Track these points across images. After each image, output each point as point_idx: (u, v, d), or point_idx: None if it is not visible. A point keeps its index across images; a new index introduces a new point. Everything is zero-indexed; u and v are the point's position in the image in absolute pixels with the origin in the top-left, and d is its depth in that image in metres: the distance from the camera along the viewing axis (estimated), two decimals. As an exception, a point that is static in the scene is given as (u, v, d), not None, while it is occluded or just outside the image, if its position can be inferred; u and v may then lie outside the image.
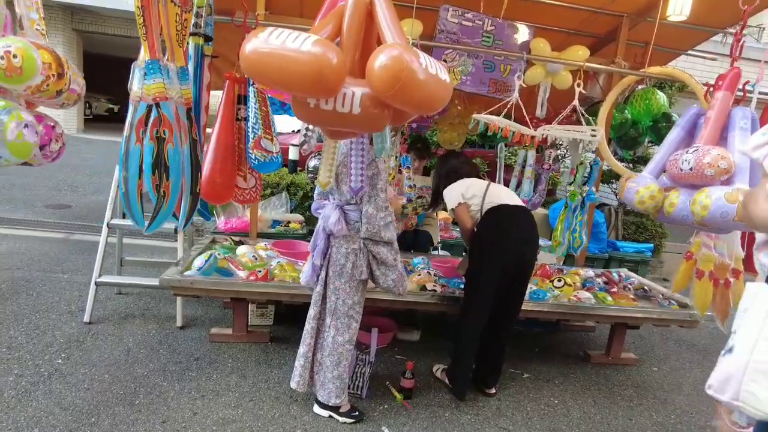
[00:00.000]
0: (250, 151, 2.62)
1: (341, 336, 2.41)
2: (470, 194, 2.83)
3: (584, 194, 3.48)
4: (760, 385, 1.16)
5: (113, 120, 17.30)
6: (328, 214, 2.36)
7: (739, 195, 2.06)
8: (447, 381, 2.94)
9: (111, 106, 18.11)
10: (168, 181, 2.26)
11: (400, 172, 3.61)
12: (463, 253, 3.02)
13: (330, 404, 2.48)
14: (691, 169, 2.25)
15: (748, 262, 2.83)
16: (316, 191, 2.55)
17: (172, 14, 2.25)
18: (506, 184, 3.87)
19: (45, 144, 1.96)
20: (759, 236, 1.36)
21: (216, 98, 2.89)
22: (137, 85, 2.18)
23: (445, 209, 3.26)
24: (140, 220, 2.37)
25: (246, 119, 2.68)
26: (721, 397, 1.23)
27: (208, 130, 2.80)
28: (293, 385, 2.49)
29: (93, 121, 16.17)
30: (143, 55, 2.19)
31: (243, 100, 2.73)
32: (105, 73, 14.68)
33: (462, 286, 3.05)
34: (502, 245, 2.68)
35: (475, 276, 2.75)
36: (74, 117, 13.16)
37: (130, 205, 2.27)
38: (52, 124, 2.01)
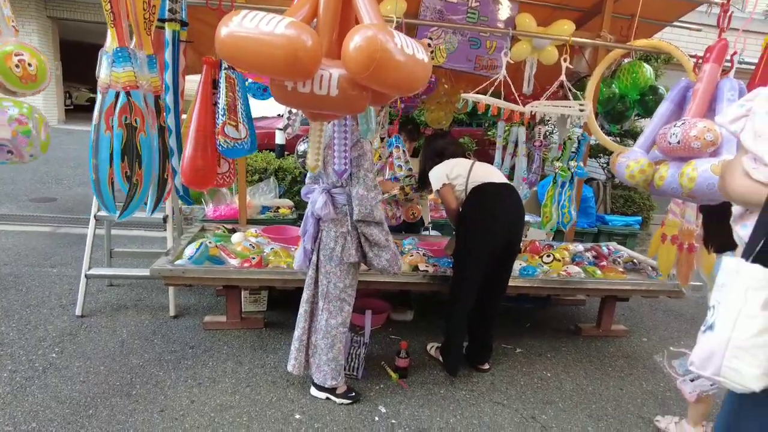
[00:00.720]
0: (217, 137, 2.60)
1: (334, 319, 2.43)
2: (455, 174, 2.84)
3: (573, 170, 3.50)
4: (742, 361, 1.18)
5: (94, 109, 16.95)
6: (315, 198, 2.36)
7: None
8: (441, 358, 2.98)
9: (92, 95, 17.76)
10: (140, 170, 2.25)
11: (391, 155, 3.58)
12: (453, 233, 3.01)
13: (326, 386, 2.51)
14: (678, 142, 2.26)
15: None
16: (308, 176, 2.54)
17: (139, 1, 2.20)
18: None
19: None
20: (735, 209, 1.36)
21: (192, 83, 2.85)
22: (105, 72, 2.15)
23: (431, 191, 3.26)
24: (111, 207, 2.36)
25: (216, 104, 2.65)
26: (703, 373, 1.24)
27: (183, 116, 2.76)
28: (289, 368, 2.52)
29: (74, 111, 15.86)
30: (111, 42, 2.15)
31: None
32: (84, 62, 14.31)
33: (452, 266, 3.07)
34: (486, 225, 2.70)
35: (462, 256, 2.77)
36: (54, 107, 12.88)
37: (101, 193, 2.25)
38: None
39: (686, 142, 2.22)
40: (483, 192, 2.75)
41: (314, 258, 2.45)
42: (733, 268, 1.22)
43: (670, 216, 3.07)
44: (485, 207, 2.73)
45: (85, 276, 3.25)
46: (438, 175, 2.88)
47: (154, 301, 3.56)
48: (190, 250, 2.98)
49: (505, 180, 2.88)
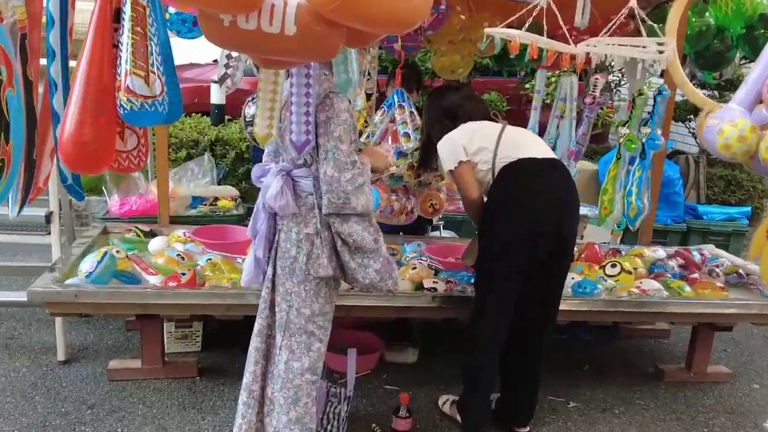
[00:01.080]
0: (117, 94, 2.57)
1: (298, 361, 2.44)
2: (476, 147, 2.82)
3: (645, 139, 3.53)
4: None
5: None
6: (269, 184, 2.37)
7: None
8: (459, 418, 3.02)
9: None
10: (8, 145, 2.23)
11: (393, 120, 3.57)
12: (475, 235, 3.03)
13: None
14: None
15: None
16: (266, 151, 2.56)
17: None
18: (542, 130, 3.90)
19: None
20: None
21: (85, 15, 2.85)
22: None
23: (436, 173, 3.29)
24: None
25: (118, 45, 2.63)
26: None
27: (72, 63, 2.73)
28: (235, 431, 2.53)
29: None
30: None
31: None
32: None
33: (473, 281, 3.11)
34: (524, 216, 2.70)
35: (488, 267, 2.79)
36: None
37: None
38: None
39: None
40: (518, 171, 2.75)
41: (270, 271, 2.46)
42: None
43: None
44: (522, 192, 2.74)
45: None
46: (451, 148, 2.86)
47: (33, 339, 3.56)
48: (88, 264, 2.97)
49: (551, 154, 2.89)
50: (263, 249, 2.45)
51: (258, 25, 1.63)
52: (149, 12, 2.51)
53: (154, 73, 2.53)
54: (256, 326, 2.51)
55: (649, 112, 3.66)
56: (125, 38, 2.48)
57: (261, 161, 2.59)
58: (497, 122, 2.99)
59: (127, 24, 2.48)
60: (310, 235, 2.37)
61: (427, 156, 3.23)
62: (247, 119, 3.59)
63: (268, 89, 2.14)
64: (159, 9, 2.55)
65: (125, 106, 2.50)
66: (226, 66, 2.64)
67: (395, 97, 3.46)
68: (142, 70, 2.50)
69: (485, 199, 2.84)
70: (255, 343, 2.51)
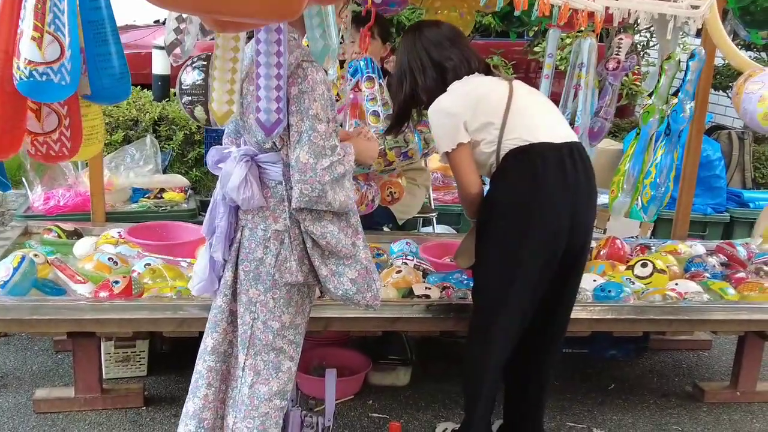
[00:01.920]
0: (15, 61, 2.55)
1: (264, 384, 2.45)
2: (479, 122, 2.71)
3: (670, 111, 3.55)
4: None
5: None
6: (230, 171, 2.36)
7: None
8: None
9: None
10: None
11: (356, 89, 3.57)
12: (471, 232, 3.01)
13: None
14: None
15: None
16: (226, 131, 2.55)
17: None
18: (556, 99, 3.90)
19: None
20: None
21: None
22: None
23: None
24: None
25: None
26: None
27: None
28: None
29: None
30: None
31: None
32: None
33: (472, 291, 3.13)
34: (543, 220, 2.67)
35: (494, 277, 2.77)
36: None
37: None
38: None
39: None
40: (532, 163, 2.67)
41: (228, 276, 2.45)
42: None
43: None
44: (539, 192, 2.67)
45: None
46: (449, 124, 2.74)
47: (-59, 364, 3.55)
48: (3, 271, 2.96)
49: (568, 131, 2.85)
50: (222, 250, 2.43)
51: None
52: None
53: (51, 34, 2.44)
54: (210, 342, 2.49)
55: (683, 79, 3.68)
56: None
57: (218, 143, 2.58)
58: (499, 78, 2.87)
59: None
60: (280, 232, 2.37)
61: (402, 116, 3.03)
62: (183, 87, 3.46)
63: (227, 57, 2.12)
64: None
65: (15, 75, 2.44)
66: (176, 30, 2.61)
67: (362, 63, 3.40)
68: (39, 32, 2.42)
69: (489, 188, 2.79)
70: (208, 362, 2.48)
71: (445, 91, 2.79)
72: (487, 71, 2.88)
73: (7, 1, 2.52)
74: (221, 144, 2.57)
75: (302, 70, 2.27)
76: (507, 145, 2.69)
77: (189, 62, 3.25)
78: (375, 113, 3.22)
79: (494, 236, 2.76)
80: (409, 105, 2.97)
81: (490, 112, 2.73)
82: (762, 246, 4.26)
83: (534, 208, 2.68)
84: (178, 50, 2.62)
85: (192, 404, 2.49)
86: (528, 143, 2.67)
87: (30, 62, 2.40)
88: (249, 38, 2.39)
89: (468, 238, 2.99)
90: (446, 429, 3.18)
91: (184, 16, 2.62)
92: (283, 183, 2.36)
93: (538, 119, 2.78)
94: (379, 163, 3.52)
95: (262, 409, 2.45)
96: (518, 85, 2.82)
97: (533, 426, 3.01)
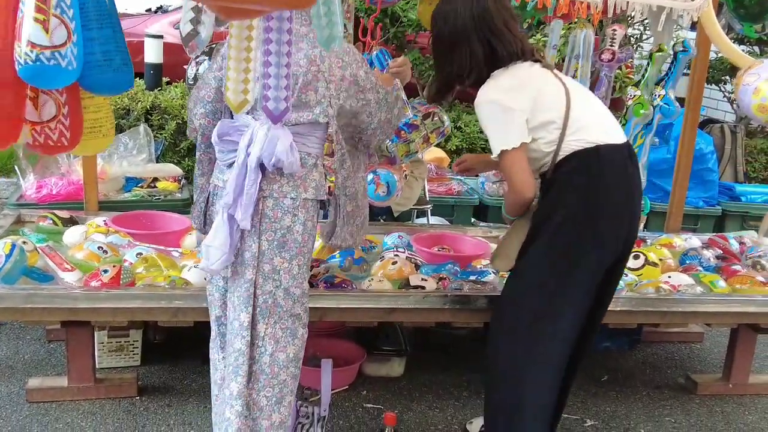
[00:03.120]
0: (16, 45, 2.50)
1: (282, 352, 2.47)
2: (540, 120, 2.53)
3: (657, 103, 3.56)
4: None
5: None
6: (276, 135, 2.32)
7: None
8: None
9: None
10: None
11: None
12: (511, 231, 2.83)
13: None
14: None
15: None
16: (203, 111, 2.55)
17: None
18: None
19: None
20: None
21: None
22: None
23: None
24: None
25: None
26: None
27: None
28: None
29: None
30: None
31: None
32: None
33: (482, 278, 3.12)
34: (611, 229, 2.55)
35: (547, 288, 2.58)
36: None
37: None
38: None
39: None
40: (601, 166, 2.54)
41: (255, 247, 2.42)
42: None
43: None
44: (609, 199, 2.54)
45: None
46: (508, 120, 2.53)
47: (-68, 353, 3.53)
48: (-5, 258, 2.95)
49: (621, 131, 2.71)
50: (249, 218, 2.38)
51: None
52: None
53: (57, 17, 2.41)
54: (245, 318, 2.44)
55: (668, 71, 3.69)
56: None
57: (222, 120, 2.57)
58: (548, 71, 2.66)
59: None
60: (308, 200, 2.46)
61: (445, 88, 2.81)
62: (189, 82, 3.55)
63: (242, 46, 2.11)
64: None
65: (20, 59, 2.41)
66: (192, 21, 2.59)
67: (375, 58, 3.42)
68: (43, 14, 2.39)
69: (545, 190, 2.64)
70: (246, 338, 2.45)
71: (487, 74, 2.59)
72: (535, 58, 2.65)
73: None
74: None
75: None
76: (571, 145, 2.53)
77: (195, 56, 3.26)
78: (405, 102, 3.18)
79: (550, 242, 2.56)
80: (455, 80, 2.71)
81: (551, 109, 2.55)
82: (754, 239, 4.27)
83: (601, 215, 2.54)
84: (194, 42, 2.61)
85: (236, 384, 2.45)
86: (594, 144, 2.52)
87: (36, 45, 2.37)
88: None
89: (506, 239, 2.79)
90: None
91: (201, 5, 2.60)
92: (312, 153, 2.48)
93: (600, 118, 2.65)
94: (410, 149, 3.52)
95: (281, 376, 2.49)
96: (564, 77, 2.67)
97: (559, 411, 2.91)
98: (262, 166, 2.35)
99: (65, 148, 2.77)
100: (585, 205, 2.52)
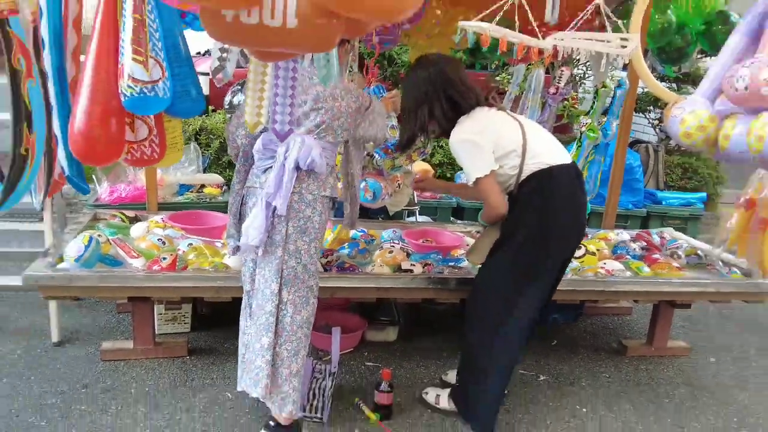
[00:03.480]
0: (120, 82, 2.52)
1: (299, 314, 2.52)
2: (503, 151, 2.60)
3: (600, 127, 3.60)
4: None
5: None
6: (310, 144, 2.41)
7: None
8: (456, 407, 2.92)
9: None
10: (32, 135, 2.22)
11: None
12: (481, 234, 2.92)
13: (283, 418, 2.55)
14: (746, 87, 2.34)
15: None
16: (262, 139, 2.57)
17: None
18: None
19: None
20: None
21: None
22: None
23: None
24: None
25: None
26: None
27: (82, 58, 2.70)
28: (258, 392, 2.51)
29: None
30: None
31: None
32: None
33: (458, 264, 3.17)
34: (566, 235, 2.66)
35: (513, 285, 2.68)
36: None
37: None
38: None
39: (755, 88, 2.30)
40: (555, 183, 2.60)
41: (284, 231, 2.45)
42: None
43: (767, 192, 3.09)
44: (563, 211, 2.61)
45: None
46: (478, 154, 2.59)
47: (27, 322, 3.54)
48: (75, 249, 2.95)
49: (568, 154, 2.76)
50: (286, 204, 2.42)
51: (260, 19, 1.62)
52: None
53: (153, 58, 2.45)
54: (275, 287, 2.49)
55: (609, 103, 3.72)
56: (125, 25, 2.44)
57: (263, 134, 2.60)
58: (504, 112, 2.73)
59: (127, 11, 2.43)
60: (325, 197, 2.52)
61: (410, 141, 2.83)
62: (226, 107, 3.56)
63: (258, 79, 2.13)
64: None
65: (125, 92, 2.42)
66: (220, 59, 2.61)
67: (374, 92, 3.45)
68: (141, 56, 2.41)
69: (514, 207, 2.66)
70: (275, 301, 2.49)
71: (455, 122, 2.66)
72: (487, 102, 2.76)
73: (104, 35, 2.50)
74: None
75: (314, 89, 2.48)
76: (530, 167, 2.60)
77: (233, 87, 3.30)
78: (393, 126, 3.21)
79: (516, 259, 2.64)
80: (418, 132, 2.77)
81: (511, 142, 2.62)
82: (674, 234, 4.30)
83: (552, 236, 2.62)
84: (220, 75, 2.62)
85: (267, 338, 2.50)
86: (548, 165, 2.60)
87: (137, 81, 2.39)
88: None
89: (481, 238, 2.87)
90: (438, 393, 3.03)
91: (227, 46, 2.62)
92: (329, 163, 2.54)
93: (549, 144, 2.72)
94: (395, 164, 3.53)
95: (298, 334, 2.53)
96: (517, 116, 2.75)
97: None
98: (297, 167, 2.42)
99: (154, 161, 2.79)
100: (540, 227, 2.61)
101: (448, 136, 2.71)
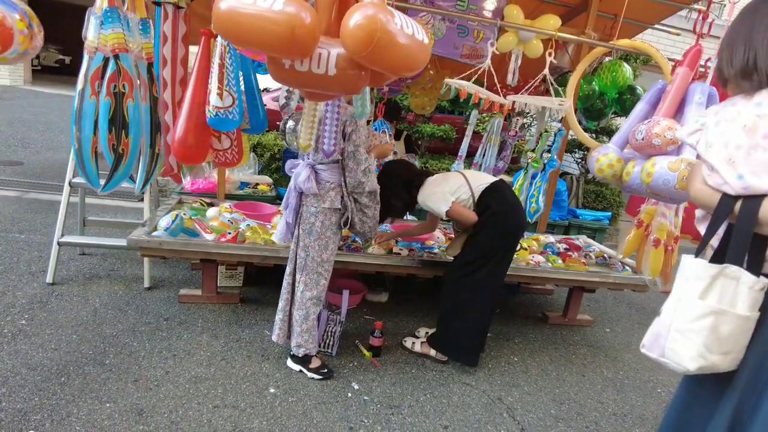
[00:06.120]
0: (207, 107, 2.57)
1: (309, 291, 2.51)
2: (455, 188, 2.78)
3: (546, 161, 3.60)
4: (679, 343, 1.34)
5: (64, 72, 16.33)
6: (299, 172, 2.40)
7: (681, 164, 2.19)
8: (434, 352, 2.93)
9: (62, 57, 17.04)
10: (127, 139, 2.22)
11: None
12: (457, 234, 2.96)
13: (299, 355, 2.58)
14: (642, 138, 2.36)
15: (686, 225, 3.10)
16: (299, 154, 2.55)
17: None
18: (473, 151, 3.95)
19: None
20: (698, 211, 1.48)
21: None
22: (93, 33, 2.11)
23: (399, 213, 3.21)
24: (94, 180, 2.32)
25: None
26: (650, 354, 1.39)
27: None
28: (274, 338, 2.63)
29: (41, 73, 15.25)
30: (101, 2, 2.11)
31: None
32: (55, 22, 13.76)
33: (432, 251, 3.16)
34: (515, 223, 2.74)
35: (487, 253, 2.73)
36: (20, 67, 12.37)
37: (83, 164, 2.22)
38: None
39: (648, 139, 2.32)
40: (499, 192, 2.76)
41: (296, 231, 2.51)
42: (681, 262, 1.36)
43: (660, 219, 3.10)
44: (509, 202, 2.75)
45: (58, 243, 3.20)
46: (440, 197, 2.74)
47: (127, 272, 3.53)
48: (165, 222, 2.96)
49: (494, 178, 2.89)
50: (292, 216, 2.48)
51: (309, 68, 1.63)
52: (228, 47, 2.47)
53: (227, 91, 2.48)
54: (288, 268, 2.56)
55: (549, 144, 3.72)
56: (214, 66, 2.46)
57: (289, 160, 2.60)
58: (442, 172, 2.96)
59: (215, 58, 2.45)
60: (325, 209, 2.43)
61: (393, 214, 2.97)
62: (283, 130, 3.56)
63: (311, 114, 2.14)
64: (235, 50, 2.51)
65: (209, 114, 2.49)
66: (287, 98, 2.64)
67: (379, 125, 3.47)
68: (220, 90, 2.47)
69: (481, 214, 2.74)
70: (287, 280, 2.56)
71: (414, 196, 2.85)
72: (428, 174, 2.91)
73: (200, 74, 2.53)
74: (293, 159, 2.58)
75: (353, 120, 2.38)
76: (478, 190, 2.78)
77: (287, 116, 3.28)
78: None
79: (486, 235, 2.73)
80: (391, 208, 2.88)
81: (456, 182, 2.81)
82: (587, 240, 4.31)
83: (510, 217, 2.75)
84: (286, 109, 2.64)
85: (280, 303, 2.58)
86: (488, 184, 2.79)
87: (217, 107, 2.43)
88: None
89: (457, 240, 2.91)
90: (414, 342, 3.03)
91: (291, 89, 2.63)
92: (330, 181, 2.42)
93: (482, 175, 2.90)
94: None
95: (306, 305, 2.52)
96: (453, 169, 2.98)
97: None
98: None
99: (235, 163, 2.85)
100: (495, 219, 2.71)
101: (412, 205, 2.92)
